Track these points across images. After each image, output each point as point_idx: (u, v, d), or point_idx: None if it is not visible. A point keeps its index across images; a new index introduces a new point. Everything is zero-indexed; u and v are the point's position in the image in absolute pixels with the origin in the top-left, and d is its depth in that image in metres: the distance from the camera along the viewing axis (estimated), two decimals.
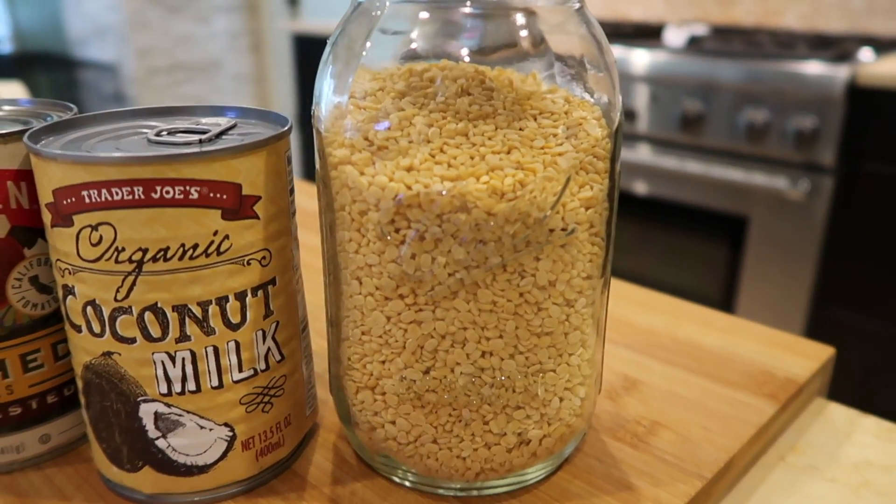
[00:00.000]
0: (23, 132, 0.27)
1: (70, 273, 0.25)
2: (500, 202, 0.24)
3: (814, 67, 1.21)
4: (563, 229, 0.24)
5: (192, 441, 0.27)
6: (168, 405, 0.26)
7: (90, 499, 0.28)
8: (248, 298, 0.26)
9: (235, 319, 0.26)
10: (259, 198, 0.26)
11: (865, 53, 1.27)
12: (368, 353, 0.26)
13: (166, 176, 0.24)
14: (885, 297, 1.23)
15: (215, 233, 0.25)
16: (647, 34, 1.52)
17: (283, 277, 0.28)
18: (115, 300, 0.25)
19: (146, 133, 0.27)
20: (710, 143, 1.34)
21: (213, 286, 0.25)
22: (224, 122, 0.28)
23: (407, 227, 0.24)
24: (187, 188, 0.24)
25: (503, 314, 0.25)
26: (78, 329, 0.26)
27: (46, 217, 0.25)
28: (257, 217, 0.26)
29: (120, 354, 0.26)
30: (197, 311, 0.25)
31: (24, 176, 0.27)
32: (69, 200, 0.24)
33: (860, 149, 1.21)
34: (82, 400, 0.28)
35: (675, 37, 1.47)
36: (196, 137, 0.26)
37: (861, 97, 1.17)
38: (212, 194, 0.24)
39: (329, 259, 0.27)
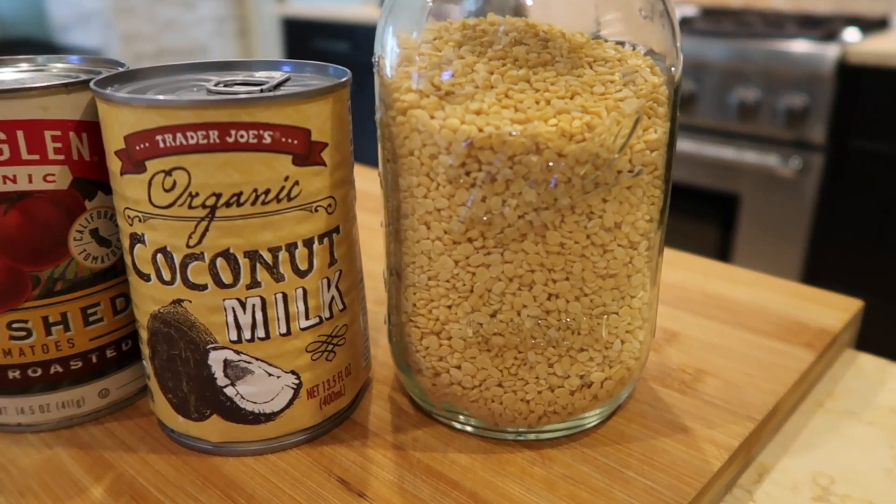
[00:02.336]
0: (86, 82, 0.27)
1: (140, 221, 0.25)
2: (570, 143, 0.24)
3: (803, 46, 1.22)
4: (629, 171, 0.25)
5: (260, 389, 0.27)
6: (237, 352, 0.26)
7: (154, 450, 0.28)
8: (315, 245, 0.26)
9: (303, 266, 0.26)
10: (326, 144, 0.26)
11: (852, 33, 1.28)
12: (435, 299, 0.27)
13: (241, 119, 0.24)
14: (874, 272, 1.26)
15: (286, 178, 0.25)
16: None
17: (346, 226, 0.28)
18: (187, 247, 0.25)
19: (204, 85, 0.27)
20: (701, 122, 1.36)
21: (282, 232, 0.26)
22: (278, 75, 0.29)
23: (477, 170, 0.25)
24: (261, 132, 0.24)
25: (570, 256, 0.25)
26: (146, 278, 0.26)
27: (115, 165, 0.25)
28: (324, 164, 0.26)
29: (190, 302, 0.26)
30: (267, 256, 0.26)
31: (86, 127, 0.27)
32: (142, 146, 0.24)
33: (849, 126, 1.23)
34: (146, 350, 0.28)
35: None
36: (256, 89, 0.26)
37: (850, 75, 1.19)
38: (284, 139, 0.24)
39: (392, 208, 0.28)
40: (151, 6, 2.70)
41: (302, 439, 0.29)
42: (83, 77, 0.29)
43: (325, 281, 0.27)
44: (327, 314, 0.28)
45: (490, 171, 0.24)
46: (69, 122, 0.26)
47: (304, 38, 2.34)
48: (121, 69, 0.29)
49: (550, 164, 0.24)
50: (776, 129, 1.28)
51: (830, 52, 1.18)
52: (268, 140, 0.24)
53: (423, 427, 0.30)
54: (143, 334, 0.28)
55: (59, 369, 0.29)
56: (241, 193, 0.24)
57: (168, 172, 0.24)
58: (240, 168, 0.24)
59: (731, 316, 0.39)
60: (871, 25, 1.39)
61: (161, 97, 0.24)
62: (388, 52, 0.27)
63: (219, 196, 0.24)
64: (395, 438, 0.29)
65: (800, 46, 1.22)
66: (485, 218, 0.25)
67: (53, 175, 0.27)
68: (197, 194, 0.24)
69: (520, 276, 0.26)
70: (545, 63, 0.26)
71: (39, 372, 0.29)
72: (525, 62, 0.26)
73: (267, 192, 0.25)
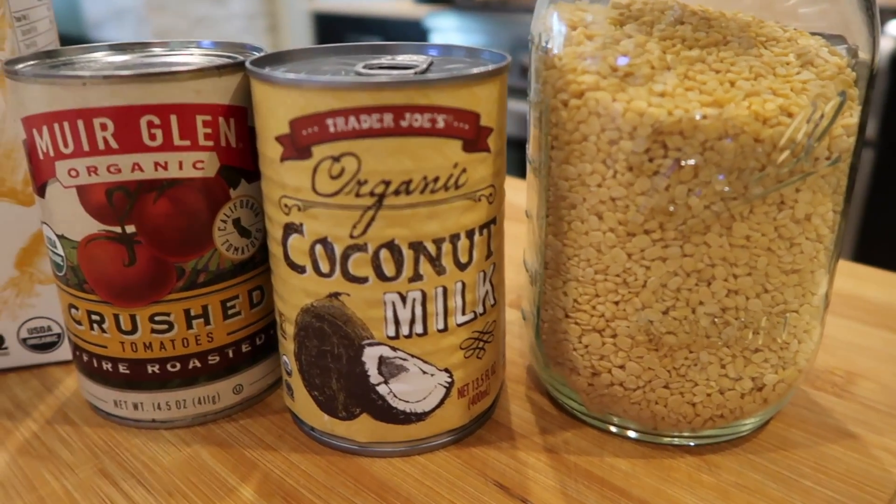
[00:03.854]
0: (240, 64, 0.26)
1: (299, 210, 0.24)
2: (765, 128, 0.23)
3: None
4: (827, 158, 0.23)
5: (414, 387, 0.26)
6: (394, 349, 0.25)
7: (296, 449, 0.27)
8: (476, 237, 0.25)
9: (464, 259, 0.25)
10: (492, 130, 0.24)
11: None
12: (601, 294, 0.25)
13: (416, 102, 0.22)
14: None
15: (455, 165, 0.24)
16: None
17: (499, 217, 0.26)
18: (350, 237, 0.24)
19: (352, 68, 0.26)
20: None
21: (448, 222, 0.24)
22: (422, 59, 0.27)
23: (663, 157, 0.23)
24: (434, 116, 0.23)
25: (756, 249, 0.24)
26: (300, 270, 0.25)
27: (274, 151, 0.24)
28: (489, 150, 0.25)
29: (349, 295, 0.24)
30: (432, 248, 0.24)
31: (234, 112, 0.26)
32: (310, 130, 0.23)
33: None
34: (291, 346, 0.27)
35: None
36: (408, 72, 0.25)
37: None
38: (456, 123, 0.23)
39: (553, 198, 0.26)
40: (184, 2, 2.72)
41: (449, 440, 0.27)
42: (227, 61, 0.28)
43: (481, 274, 0.26)
44: (481, 310, 0.26)
45: (677, 158, 0.23)
46: (219, 107, 0.25)
47: (335, 34, 2.33)
48: (260, 53, 0.28)
49: (744, 150, 0.22)
50: None
51: (884, 45, 1.14)
52: (441, 124, 0.23)
53: (571, 429, 0.28)
54: (289, 329, 0.26)
55: (198, 364, 0.28)
56: (410, 181, 0.23)
57: (336, 159, 0.23)
58: (412, 154, 0.23)
59: (868, 315, 0.37)
60: None
61: (335, 78, 0.23)
62: (554, 31, 0.25)
63: (388, 184, 0.23)
64: (545, 440, 0.28)
65: None
66: (672, 208, 0.23)
67: (203, 162, 0.25)
68: (365, 182, 0.23)
69: (699, 270, 0.24)
70: (716, 43, 0.24)
71: (178, 367, 0.27)
72: (695, 42, 0.24)
73: (436, 179, 0.23)
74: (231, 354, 0.28)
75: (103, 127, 0.24)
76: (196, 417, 0.29)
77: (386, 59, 0.27)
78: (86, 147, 0.24)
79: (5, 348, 0.32)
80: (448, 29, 1.83)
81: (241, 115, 0.26)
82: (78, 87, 0.23)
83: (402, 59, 0.28)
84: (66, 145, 0.24)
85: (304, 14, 2.71)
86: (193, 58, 0.29)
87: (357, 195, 0.23)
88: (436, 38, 1.85)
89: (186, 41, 0.30)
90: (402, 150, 0.23)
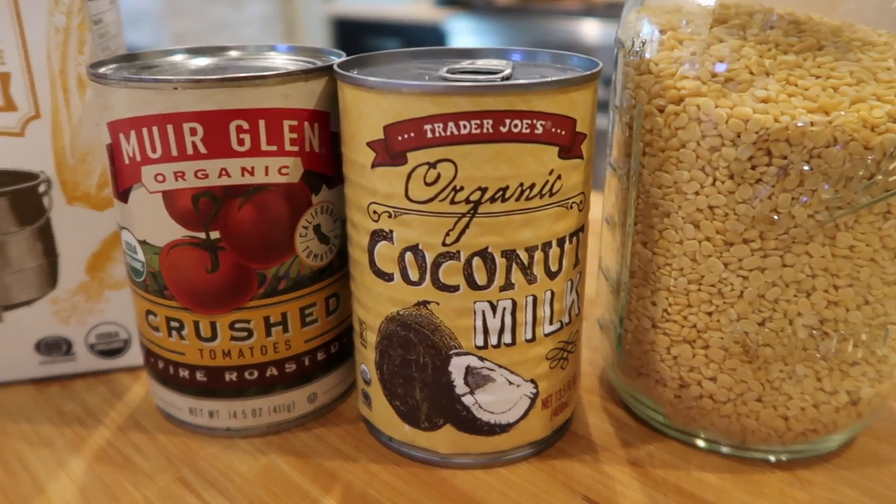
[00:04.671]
0: (326, 68, 0.25)
1: (390, 217, 0.24)
2: (874, 135, 0.22)
3: None
4: None
5: (500, 398, 0.25)
6: (481, 359, 0.25)
7: (374, 459, 0.27)
8: (566, 245, 0.25)
9: (554, 267, 0.24)
10: (585, 136, 0.24)
11: None
12: (694, 304, 0.25)
13: (517, 108, 0.22)
14: None
15: (551, 172, 0.23)
16: None
17: (586, 225, 0.26)
18: (443, 245, 0.23)
19: (436, 73, 0.26)
20: None
21: (541, 230, 0.24)
22: (504, 64, 0.27)
23: (766, 164, 0.22)
24: (534, 122, 0.22)
25: (859, 260, 0.23)
26: (388, 278, 0.24)
27: (365, 157, 0.23)
28: (582, 157, 0.24)
29: (438, 304, 0.24)
30: (524, 256, 0.24)
31: (318, 117, 0.26)
32: (406, 136, 0.22)
33: None
34: (372, 354, 0.26)
35: None
36: (495, 77, 0.24)
37: None
38: (554, 129, 0.23)
39: (643, 205, 0.25)
40: (201, 6, 2.73)
41: (530, 452, 0.27)
42: (308, 66, 0.27)
43: (569, 283, 0.25)
44: (567, 319, 0.26)
45: (783, 166, 0.22)
46: (305, 112, 0.25)
47: (352, 38, 2.34)
48: (338, 60, 0.28)
49: (853, 158, 0.22)
50: None
51: None
52: (539, 130, 0.22)
53: (653, 441, 0.28)
54: (371, 337, 0.26)
55: (275, 372, 0.27)
56: (506, 188, 0.23)
57: (433, 165, 0.22)
58: (510, 160, 0.22)
59: None
60: None
61: (434, 83, 0.23)
62: (646, 36, 0.25)
63: (484, 191, 0.23)
64: (627, 453, 0.27)
65: None
66: (776, 217, 0.23)
67: (288, 167, 0.25)
68: (461, 188, 0.22)
69: (799, 281, 0.23)
70: (811, 48, 0.24)
71: (255, 374, 0.27)
72: (789, 47, 0.24)
73: (532, 186, 0.23)
74: (307, 362, 0.28)
75: (192, 132, 0.24)
76: (270, 426, 0.28)
77: (466, 64, 0.27)
78: (174, 152, 0.24)
79: (73, 353, 0.31)
80: (467, 32, 1.83)
81: (325, 119, 0.26)
82: (169, 91, 0.23)
83: (483, 63, 0.27)
84: (153, 150, 0.24)
85: (320, 18, 2.72)
86: (272, 62, 0.28)
87: (452, 202, 0.23)
88: (455, 43, 1.85)
89: (261, 45, 0.30)
90: (500, 157, 0.22)
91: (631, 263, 0.27)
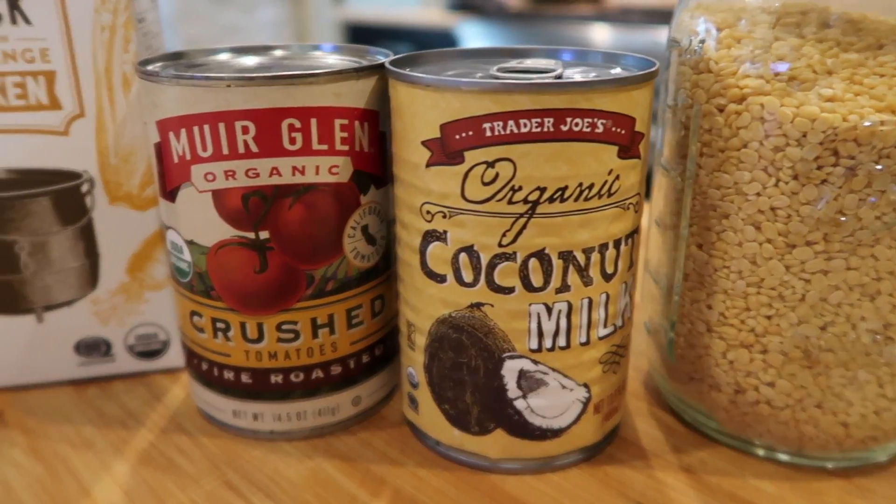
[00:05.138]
0: (378, 67, 0.25)
1: (444, 217, 0.23)
2: None
3: None
4: None
5: (552, 402, 0.25)
6: (535, 362, 0.24)
7: (421, 464, 0.26)
8: (622, 247, 0.24)
9: (610, 269, 0.24)
10: (643, 136, 0.24)
11: None
12: (752, 308, 0.24)
13: (579, 106, 0.21)
14: None
15: (609, 171, 0.23)
16: None
17: (640, 227, 0.25)
18: (499, 245, 0.23)
19: (485, 71, 0.25)
20: None
21: (598, 231, 0.23)
22: (554, 63, 0.26)
23: (833, 165, 0.22)
24: (595, 120, 0.22)
25: None
26: (440, 279, 0.24)
27: (419, 156, 0.23)
28: (639, 157, 0.24)
29: (492, 306, 0.24)
30: (581, 258, 0.23)
31: (368, 116, 0.25)
32: (464, 134, 0.22)
33: None
34: (421, 357, 0.26)
35: None
36: (549, 76, 0.24)
37: None
38: (614, 128, 0.22)
39: (700, 208, 0.25)
40: (213, 11, 2.74)
41: (580, 458, 0.26)
42: (363, 63, 0.27)
43: (623, 286, 0.25)
44: (619, 322, 0.25)
45: (851, 167, 0.22)
46: (356, 111, 0.25)
47: (364, 43, 2.34)
48: (384, 59, 0.27)
49: None
50: None
51: None
52: (600, 129, 0.22)
53: (704, 448, 0.27)
54: (420, 340, 0.26)
55: (320, 374, 0.27)
56: (565, 188, 0.22)
57: (491, 164, 0.22)
58: (569, 160, 0.22)
59: None
60: None
61: (493, 81, 0.22)
62: (703, 35, 0.24)
63: (543, 190, 0.22)
64: (679, 460, 0.27)
65: None
66: (843, 219, 0.22)
67: (338, 167, 0.25)
68: (520, 188, 0.22)
69: (863, 284, 0.23)
70: (870, 47, 0.23)
71: (301, 377, 0.27)
72: (849, 45, 0.23)
73: (591, 186, 0.22)
74: (352, 365, 0.28)
75: (244, 130, 0.23)
76: (314, 429, 0.28)
77: (515, 63, 0.26)
78: (225, 150, 0.24)
79: (111, 355, 0.31)
80: (479, 37, 1.83)
81: (374, 119, 0.25)
82: (221, 88, 0.23)
83: (531, 62, 0.27)
84: (204, 149, 0.24)
85: (332, 23, 2.73)
86: (321, 61, 0.28)
87: (510, 202, 0.22)
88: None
89: (305, 45, 0.29)
90: (560, 156, 0.22)
91: (685, 266, 0.26)
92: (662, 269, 0.28)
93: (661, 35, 1.53)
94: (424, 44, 2.07)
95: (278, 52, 0.29)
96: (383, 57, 0.27)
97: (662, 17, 1.63)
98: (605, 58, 0.26)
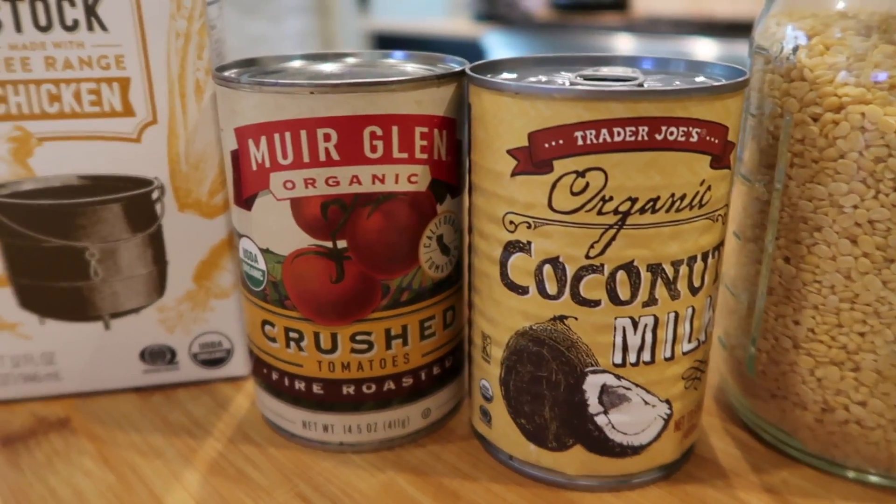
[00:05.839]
0: (458, 74, 0.25)
1: (529, 227, 0.23)
2: None
3: None
4: None
5: (634, 418, 0.24)
6: (618, 377, 0.24)
7: (495, 479, 0.26)
8: (710, 260, 0.23)
9: (696, 283, 0.23)
10: (734, 145, 0.23)
11: None
12: (844, 324, 0.23)
13: (674, 115, 0.21)
14: None
15: (702, 182, 0.22)
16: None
17: (725, 239, 0.25)
18: (587, 257, 0.22)
19: (565, 78, 0.25)
20: None
21: (687, 244, 0.23)
22: (635, 71, 0.26)
23: None
24: (690, 129, 0.21)
25: None
26: (522, 291, 0.24)
27: (504, 165, 0.23)
28: (729, 167, 0.23)
29: (576, 319, 0.23)
30: (669, 271, 0.23)
31: (447, 124, 0.25)
32: (553, 143, 0.21)
33: None
34: (497, 371, 0.25)
35: None
36: (632, 83, 0.23)
37: None
38: (709, 137, 0.22)
39: (789, 220, 0.24)
40: (241, 22, 2.77)
41: (658, 476, 0.26)
42: (438, 71, 0.27)
43: (708, 300, 0.24)
44: (703, 337, 0.25)
45: None
46: (435, 118, 0.24)
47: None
48: (457, 68, 0.27)
49: None
50: None
51: None
52: (694, 138, 0.21)
53: (785, 467, 0.26)
54: (497, 353, 0.25)
55: (392, 386, 0.27)
56: (657, 198, 0.22)
57: (581, 174, 0.21)
58: (662, 170, 0.21)
59: None
60: None
61: (586, 88, 0.22)
62: (793, 42, 0.24)
63: (634, 201, 0.22)
64: (761, 480, 0.26)
65: None
66: None
67: (417, 175, 0.24)
68: (610, 198, 0.22)
69: None
70: None
71: (373, 388, 0.26)
72: None
73: (682, 197, 0.22)
74: (423, 377, 0.27)
75: (327, 137, 0.23)
76: (384, 442, 0.27)
77: (591, 71, 0.26)
78: (306, 158, 0.23)
79: (176, 362, 0.31)
80: (505, 48, 1.83)
81: (452, 127, 0.25)
82: (304, 95, 0.23)
83: (608, 70, 0.26)
84: (284, 156, 0.23)
85: (358, 33, 2.74)
86: (397, 68, 0.28)
87: (599, 213, 0.22)
88: (492, 58, 1.84)
89: (378, 52, 0.29)
90: (653, 166, 0.21)
91: (770, 280, 0.25)
92: (742, 283, 0.27)
93: (687, 45, 1.52)
94: (450, 54, 2.08)
95: (351, 60, 0.29)
96: (458, 65, 0.27)
97: (689, 27, 1.62)
98: (688, 66, 0.26)
